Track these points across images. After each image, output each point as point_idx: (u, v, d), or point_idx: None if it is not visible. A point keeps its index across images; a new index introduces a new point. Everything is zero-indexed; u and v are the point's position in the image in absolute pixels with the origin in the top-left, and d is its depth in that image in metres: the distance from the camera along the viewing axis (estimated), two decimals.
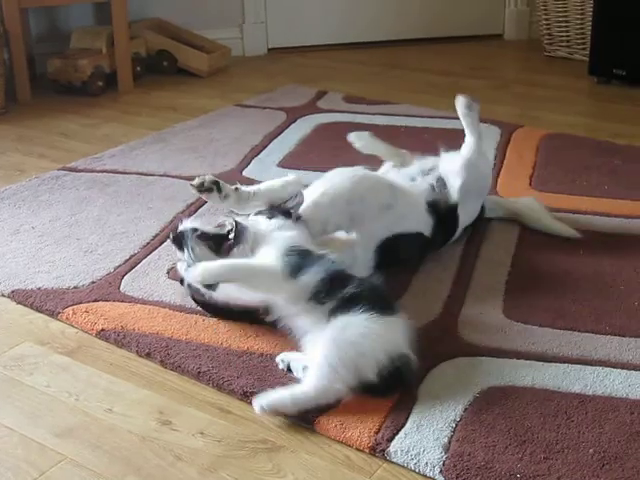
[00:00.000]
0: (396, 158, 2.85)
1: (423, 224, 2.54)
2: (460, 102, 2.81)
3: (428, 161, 2.79)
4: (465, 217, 2.67)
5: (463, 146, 2.77)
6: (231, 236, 2.25)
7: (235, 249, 2.24)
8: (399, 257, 2.48)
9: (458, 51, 5.19)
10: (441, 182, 2.64)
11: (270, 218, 2.29)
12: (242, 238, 2.24)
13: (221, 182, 2.42)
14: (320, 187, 2.46)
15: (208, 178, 2.43)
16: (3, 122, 3.99)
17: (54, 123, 3.98)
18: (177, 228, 2.36)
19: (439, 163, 2.74)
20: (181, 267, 2.33)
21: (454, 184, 2.63)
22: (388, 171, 2.79)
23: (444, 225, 2.60)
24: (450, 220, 2.62)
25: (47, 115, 4.09)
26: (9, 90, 4.19)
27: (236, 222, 2.27)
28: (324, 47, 5.23)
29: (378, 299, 2.05)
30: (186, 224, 2.34)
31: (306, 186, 2.50)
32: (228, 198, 2.43)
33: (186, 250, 2.29)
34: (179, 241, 2.33)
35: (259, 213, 2.36)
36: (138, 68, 4.58)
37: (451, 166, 2.69)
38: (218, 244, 2.27)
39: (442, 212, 2.58)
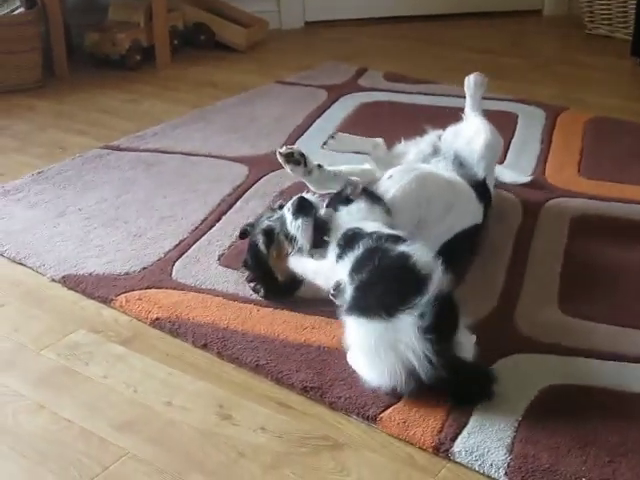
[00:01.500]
0: (373, 149, 2.73)
1: (478, 214, 2.52)
2: (472, 79, 2.88)
3: (422, 141, 2.77)
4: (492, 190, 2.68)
5: (473, 122, 2.78)
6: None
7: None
8: (459, 256, 2.44)
9: (496, 27, 5.13)
10: (457, 161, 2.61)
11: (335, 209, 2.26)
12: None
13: (307, 156, 2.39)
14: (385, 189, 2.37)
15: (296, 149, 2.39)
16: (41, 97, 3.98)
17: (93, 98, 3.97)
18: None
19: (441, 142, 2.72)
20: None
21: (477, 163, 2.61)
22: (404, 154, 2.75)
23: (486, 203, 2.58)
24: (487, 196, 2.60)
25: (85, 90, 4.07)
26: (46, 63, 4.16)
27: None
28: (360, 21, 5.18)
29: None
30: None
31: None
32: (311, 174, 2.40)
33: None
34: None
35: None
36: (175, 42, 4.55)
37: (464, 144, 2.66)
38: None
39: (481, 192, 2.56)
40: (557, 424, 1.91)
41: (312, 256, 2.24)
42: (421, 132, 2.84)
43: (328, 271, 2.17)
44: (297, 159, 2.38)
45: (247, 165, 3.20)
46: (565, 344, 2.17)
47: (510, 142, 3.37)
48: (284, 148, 2.40)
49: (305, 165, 2.38)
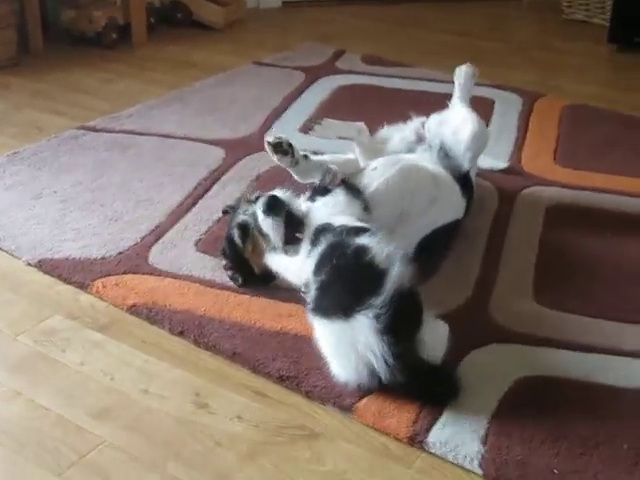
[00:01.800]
0: (357, 134, 2.71)
1: (460, 209, 2.53)
2: (464, 70, 2.87)
3: (406, 128, 2.77)
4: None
5: (460, 112, 2.76)
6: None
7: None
8: (437, 250, 2.45)
9: (474, 10, 5.13)
10: (443, 152, 2.60)
11: (312, 199, 2.27)
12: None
13: (295, 147, 2.38)
14: (368, 181, 2.37)
15: (285, 139, 2.38)
16: (17, 75, 3.95)
17: (69, 77, 3.94)
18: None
19: (425, 130, 2.71)
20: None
21: (463, 154, 2.60)
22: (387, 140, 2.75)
23: (468, 197, 2.59)
24: (469, 190, 2.61)
25: (61, 68, 4.03)
26: (20, 40, 4.11)
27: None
28: (337, 2, 5.16)
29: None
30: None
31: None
32: (297, 164, 2.39)
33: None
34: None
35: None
36: (151, 19, 4.52)
37: (451, 134, 2.65)
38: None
39: (464, 185, 2.56)
40: (530, 416, 1.93)
41: (286, 252, 2.25)
42: (402, 117, 2.84)
43: (298, 268, 2.18)
44: (285, 149, 2.37)
45: (224, 148, 3.19)
46: (539, 335, 2.20)
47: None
48: (272, 137, 2.39)
49: (292, 155, 2.37)
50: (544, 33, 4.79)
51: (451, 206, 2.49)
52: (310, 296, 2.05)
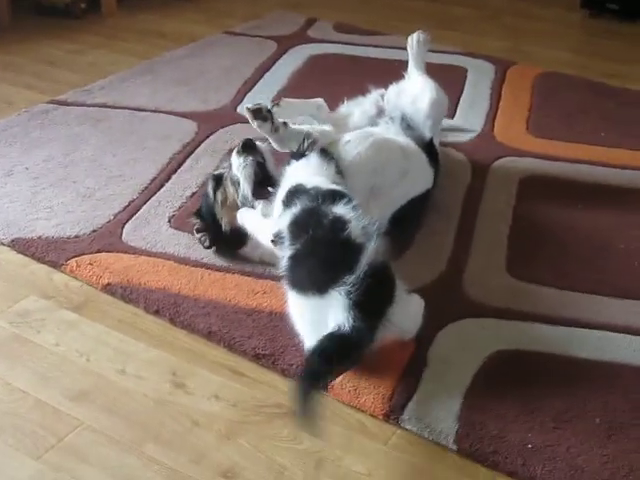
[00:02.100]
0: (316, 111, 2.73)
1: (429, 179, 2.54)
2: (415, 38, 2.89)
3: (365, 101, 2.77)
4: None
5: (417, 81, 2.79)
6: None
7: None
8: (411, 221, 2.47)
9: None
10: (405, 123, 2.61)
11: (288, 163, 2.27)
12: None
13: (275, 113, 2.37)
14: (342, 154, 2.36)
15: (264, 105, 2.37)
16: None
17: (39, 49, 3.89)
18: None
19: (384, 102, 2.72)
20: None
21: (423, 123, 2.62)
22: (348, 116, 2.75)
23: (435, 166, 2.60)
24: (435, 158, 2.62)
25: (30, 39, 3.99)
26: None
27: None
28: None
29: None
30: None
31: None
32: (277, 131, 2.37)
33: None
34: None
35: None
36: None
37: (410, 103, 2.67)
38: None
39: (430, 153, 2.57)
40: (505, 391, 1.95)
41: (255, 206, 2.25)
42: (364, 91, 2.84)
43: (270, 228, 2.15)
44: (265, 115, 2.35)
45: (196, 121, 3.18)
46: (513, 308, 2.22)
47: (459, 98, 3.38)
48: (252, 104, 2.37)
49: (272, 122, 2.36)
50: None
51: (421, 177, 2.50)
52: (284, 264, 2.02)
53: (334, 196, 2.07)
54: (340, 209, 2.02)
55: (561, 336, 2.13)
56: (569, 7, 4.48)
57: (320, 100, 2.71)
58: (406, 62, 2.94)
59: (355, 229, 1.98)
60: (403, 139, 2.54)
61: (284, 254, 2.02)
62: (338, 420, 1.90)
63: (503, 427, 1.85)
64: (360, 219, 2.01)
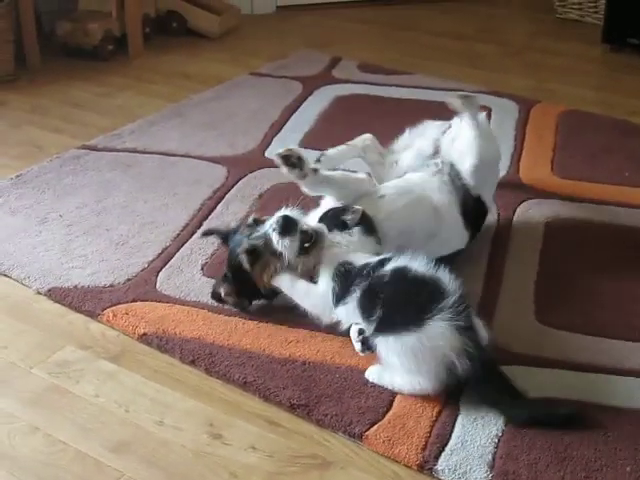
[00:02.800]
0: (363, 152, 2.79)
1: (461, 240, 2.55)
2: (459, 102, 2.65)
3: (426, 132, 2.78)
4: (489, 204, 2.70)
5: (465, 135, 2.65)
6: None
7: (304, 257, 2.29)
8: None
9: (466, 10, 5.16)
10: (454, 171, 2.59)
11: (329, 229, 2.32)
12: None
13: (305, 159, 2.39)
14: (375, 210, 2.40)
15: (295, 151, 2.38)
16: (14, 91, 3.95)
17: (67, 92, 3.96)
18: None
19: (441, 151, 2.70)
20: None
21: (469, 180, 2.59)
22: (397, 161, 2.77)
23: (474, 225, 2.61)
24: (479, 215, 2.65)
25: (59, 82, 4.05)
26: (17, 54, 4.11)
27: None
28: (331, 5, 5.19)
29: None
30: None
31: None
32: (305, 178, 2.40)
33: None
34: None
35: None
36: (147, 29, 4.53)
37: (457, 158, 2.62)
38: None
39: (472, 212, 2.58)
40: (535, 439, 1.98)
41: (297, 266, 2.29)
42: (401, 128, 2.86)
43: (319, 298, 2.25)
44: (294, 162, 2.39)
45: (225, 166, 3.23)
46: (542, 355, 2.24)
47: None
48: (283, 150, 2.40)
49: (301, 169, 2.40)
50: (537, 34, 4.79)
51: (452, 239, 2.53)
52: (370, 333, 2.15)
53: (382, 263, 2.19)
54: (391, 265, 2.17)
55: (591, 383, 2.15)
56: (590, 42, 4.51)
57: (368, 136, 2.76)
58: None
59: (417, 268, 2.14)
60: (441, 197, 2.53)
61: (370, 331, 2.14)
62: (373, 471, 1.93)
63: (535, 476, 1.88)
64: (413, 260, 2.16)
